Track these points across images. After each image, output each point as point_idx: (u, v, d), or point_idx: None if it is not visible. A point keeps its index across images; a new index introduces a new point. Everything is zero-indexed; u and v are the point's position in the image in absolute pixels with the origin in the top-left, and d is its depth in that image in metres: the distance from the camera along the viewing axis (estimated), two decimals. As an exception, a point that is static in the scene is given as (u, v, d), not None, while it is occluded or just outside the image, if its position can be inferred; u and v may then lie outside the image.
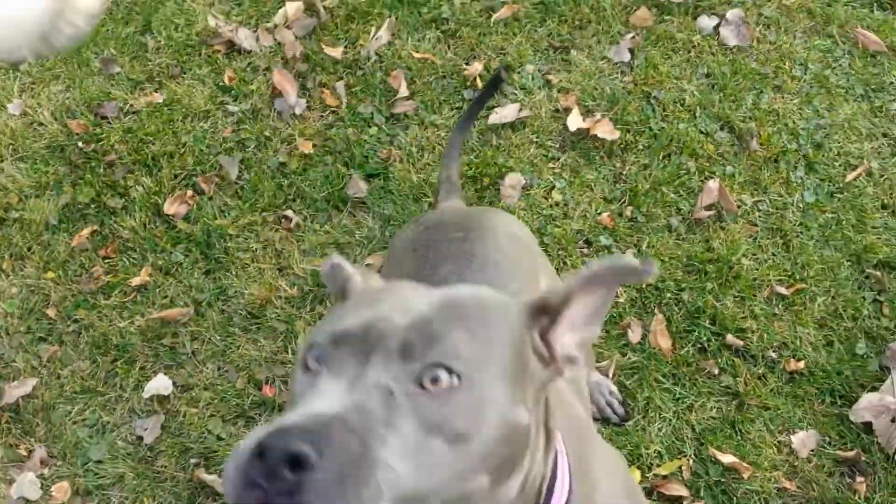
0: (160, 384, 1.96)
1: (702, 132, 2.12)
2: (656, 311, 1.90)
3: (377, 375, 0.70)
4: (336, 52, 2.37)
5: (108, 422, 1.96)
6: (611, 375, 1.82)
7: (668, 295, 1.92)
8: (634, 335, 1.88)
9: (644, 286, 1.92)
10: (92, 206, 2.20)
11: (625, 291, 1.94)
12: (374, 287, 0.86)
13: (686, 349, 1.86)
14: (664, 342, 1.85)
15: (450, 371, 0.70)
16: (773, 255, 1.96)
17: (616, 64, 2.26)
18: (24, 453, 1.94)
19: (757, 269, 1.93)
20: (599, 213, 2.03)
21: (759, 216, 2.01)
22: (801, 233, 1.98)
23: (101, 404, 1.97)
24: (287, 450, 0.61)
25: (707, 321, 1.88)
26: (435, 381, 0.69)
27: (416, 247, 1.42)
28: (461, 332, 0.73)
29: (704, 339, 1.87)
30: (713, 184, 2.00)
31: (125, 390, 1.98)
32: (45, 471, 1.93)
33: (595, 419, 1.74)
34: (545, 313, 0.81)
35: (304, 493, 0.61)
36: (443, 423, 0.69)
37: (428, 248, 1.38)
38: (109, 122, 2.32)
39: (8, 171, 2.28)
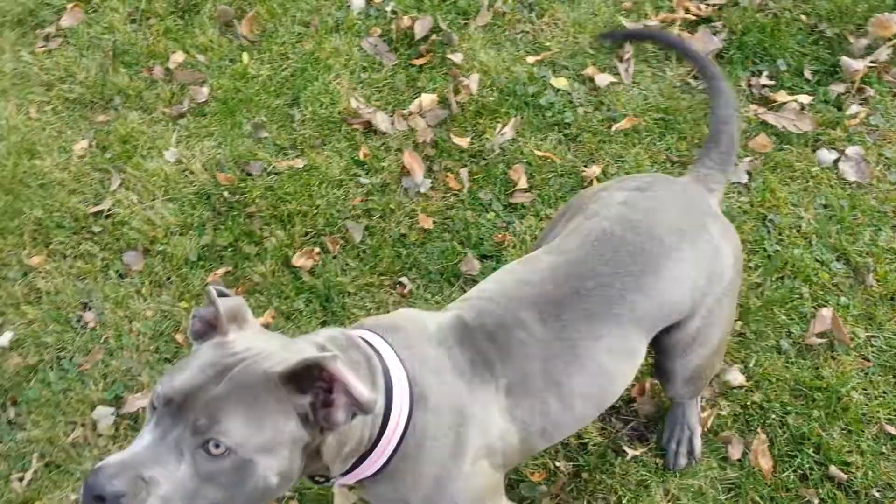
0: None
1: (817, 260, 2.12)
2: (759, 430, 1.86)
3: (178, 436, 1.01)
4: (463, 142, 2.51)
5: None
6: (703, 427, 1.80)
7: (773, 416, 1.87)
8: (734, 450, 1.83)
9: (748, 403, 1.89)
10: (229, 249, 2.35)
11: (728, 405, 1.91)
12: (224, 344, 1.10)
13: (787, 474, 1.80)
14: (765, 463, 1.79)
15: (222, 443, 1.00)
16: (885, 392, 1.90)
17: (734, 184, 2.30)
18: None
19: (867, 405, 1.87)
20: (707, 324, 2.02)
21: (873, 351, 1.97)
22: (915, 373, 1.92)
23: (207, 436, 2.05)
24: (95, 491, 0.97)
25: (811, 449, 1.83)
26: (216, 446, 1.00)
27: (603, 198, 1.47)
28: (240, 414, 1.01)
29: (807, 466, 1.81)
30: (826, 312, 1.97)
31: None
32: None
33: (660, 450, 1.79)
34: (298, 381, 1.05)
35: None
36: (214, 476, 1.01)
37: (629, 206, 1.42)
38: (253, 179, 2.50)
39: (158, 209, 2.47)
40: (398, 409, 1.19)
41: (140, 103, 2.73)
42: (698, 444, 1.80)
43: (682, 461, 1.79)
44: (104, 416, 2.09)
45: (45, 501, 1.98)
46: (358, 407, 1.04)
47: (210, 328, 1.15)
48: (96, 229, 2.45)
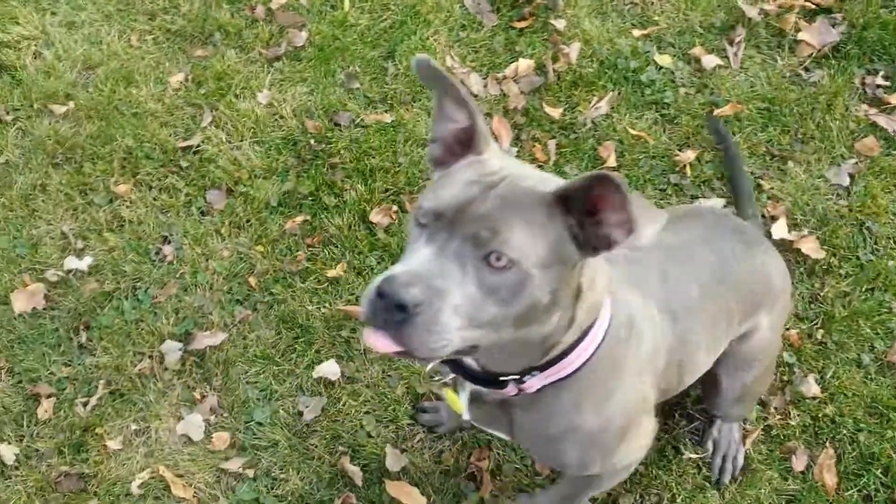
0: (330, 369, 2.11)
1: (914, 275, 2.04)
2: (828, 444, 1.83)
3: (457, 249, 1.01)
4: (555, 113, 2.49)
5: (276, 390, 2.12)
6: (746, 444, 1.81)
7: (844, 431, 1.84)
8: (799, 462, 1.82)
9: (820, 416, 1.86)
10: (309, 198, 2.42)
11: (798, 415, 1.88)
12: (481, 162, 1.12)
13: (851, 492, 1.78)
14: (829, 479, 1.77)
15: (504, 255, 1.00)
16: (968, 421, 1.84)
17: (833, 185, 2.23)
18: (198, 397, 2.14)
19: (947, 431, 1.82)
20: (788, 329, 1.98)
21: (961, 377, 1.89)
22: None
23: (275, 373, 2.14)
24: (396, 298, 0.97)
25: (879, 470, 1.79)
26: (497, 259, 1.00)
27: (691, 214, 1.63)
28: (518, 227, 1.02)
29: (872, 487, 1.78)
30: (917, 331, 1.91)
31: (298, 366, 2.14)
32: (212, 418, 2.11)
33: (706, 462, 1.84)
34: (576, 198, 1.04)
35: (407, 324, 0.98)
36: (495, 289, 1.01)
37: (702, 218, 1.61)
38: (341, 129, 2.55)
39: (245, 150, 2.55)
40: (603, 322, 1.22)
41: (239, 41, 2.79)
42: (741, 460, 1.81)
43: (727, 477, 1.82)
44: (172, 350, 2.18)
45: (106, 428, 2.09)
46: (632, 226, 1.00)
47: (449, 155, 1.16)
48: (183, 164, 2.54)
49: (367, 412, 2.06)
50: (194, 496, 2.01)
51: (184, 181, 2.51)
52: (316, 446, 2.03)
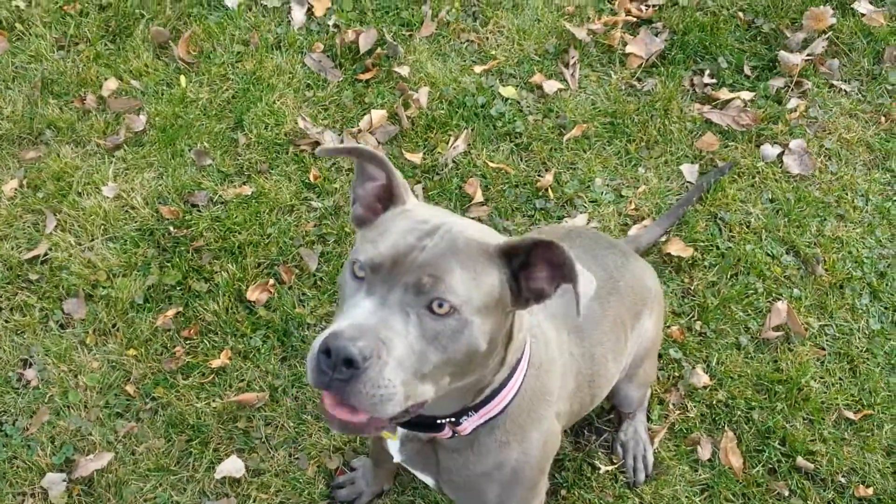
0: (233, 466, 2.05)
1: (768, 254, 2.25)
2: (726, 428, 1.98)
3: (399, 298, 1.05)
4: (416, 158, 2.57)
5: (177, 502, 2.04)
6: (654, 443, 1.92)
7: (739, 413, 2.00)
8: (704, 452, 1.95)
9: (714, 402, 2.01)
10: (178, 288, 2.36)
11: (695, 406, 2.02)
12: (408, 212, 1.17)
13: (756, 469, 1.92)
14: (735, 460, 1.91)
15: (446, 301, 1.04)
16: (841, 379, 2.04)
17: (684, 184, 2.43)
18: (92, 528, 2.02)
19: (825, 393, 2.01)
20: (669, 327, 2.14)
21: (827, 340, 2.11)
22: (868, 359, 2.07)
23: (173, 483, 2.06)
24: (343, 353, 0.98)
25: (777, 442, 1.95)
26: (439, 306, 1.04)
27: (571, 236, 1.77)
28: (459, 274, 1.06)
29: (775, 459, 1.94)
30: (782, 305, 2.11)
31: (198, 471, 2.07)
32: (112, 547, 1.99)
33: (621, 470, 1.95)
34: (516, 255, 1.12)
35: (354, 380, 0.99)
36: (437, 336, 1.05)
37: (579, 238, 1.76)
38: (199, 210, 2.52)
39: (98, 249, 2.46)
40: (526, 356, 1.30)
41: (73, 136, 2.71)
42: (651, 457, 1.95)
43: (641, 476, 1.94)
44: (55, 482, 2.05)
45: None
46: (567, 279, 1.10)
47: (371, 213, 1.22)
48: (32, 277, 2.42)
49: (280, 503, 2.02)
50: None
51: (36, 296, 2.38)
52: (232, 550, 1.96)
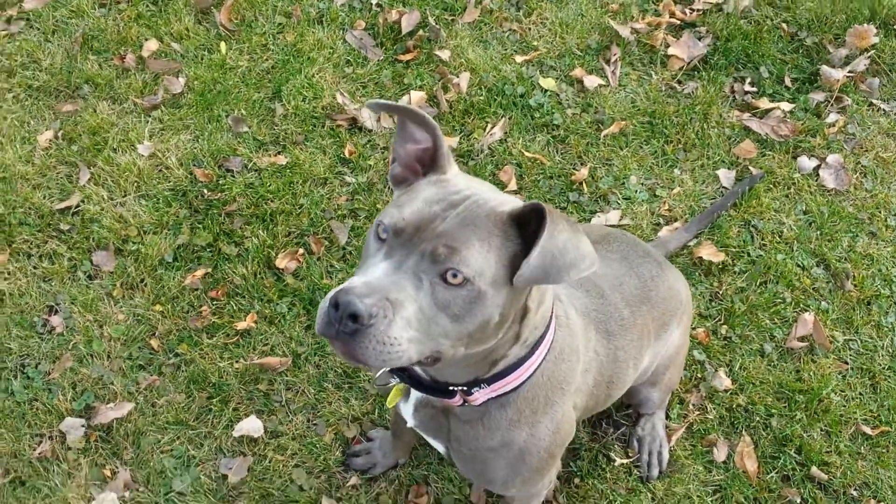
0: (252, 426, 2.10)
1: (799, 265, 2.30)
2: (744, 432, 2.02)
3: (414, 265, 1.08)
4: (451, 142, 2.62)
5: (194, 456, 2.09)
6: (671, 441, 1.97)
7: (758, 418, 2.04)
8: (720, 454, 1.99)
9: (734, 406, 2.05)
10: (207, 249, 2.41)
11: (714, 408, 2.06)
12: (443, 181, 1.20)
13: (770, 475, 1.97)
14: (750, 465, 1.96)
15: (459, 272, 1.07)
16: (861, 394, 2.09)
17: (719, 188, 2.47)
18: (109, 474, 2.08)
19: (844, 406, 2.06)
20: (695, 328, 2.18)
21: (850, 355, 2.15)
22: (890, 377, 2.11)
23: (191, 438, 2.12)
24: (349, 308, 1.03)
25: (793, 450, 2.00)
26: (453, 276, 1.07)
27: (609, 239, 1.79)
28: (476, 246, 1.09)
29: (789, 467, 1.98)
30: (808, 316, 2.15)
31: (216, 427, 2.12)
32: (127, 494, 2.05)
33: (635, 464, 1.99)
34: (527, 223, 1.12)
35: (360, 334, 1.04)
36: (449, 304, 1.08)
37: (616, 242, 1.78)
38: (233, 175, 2.57)
39: (130, 205, 2.52)
40: (548, 339, 1.32)
41: (110, 93, 2.76)
42: (666, 455, 1.99)
43: (655, 472, 1.98)
44: (74, 427, 2.11)
45: (8, 519, 2.01)
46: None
47: (410, 174, 1.25)
48: (63, 227, 2.47)
49: (296, 465, 2.07)
50: (114, 583, 1.94)
51: (65, 245, 2.44)
52: (245, 509, 2.02)
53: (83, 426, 2.12)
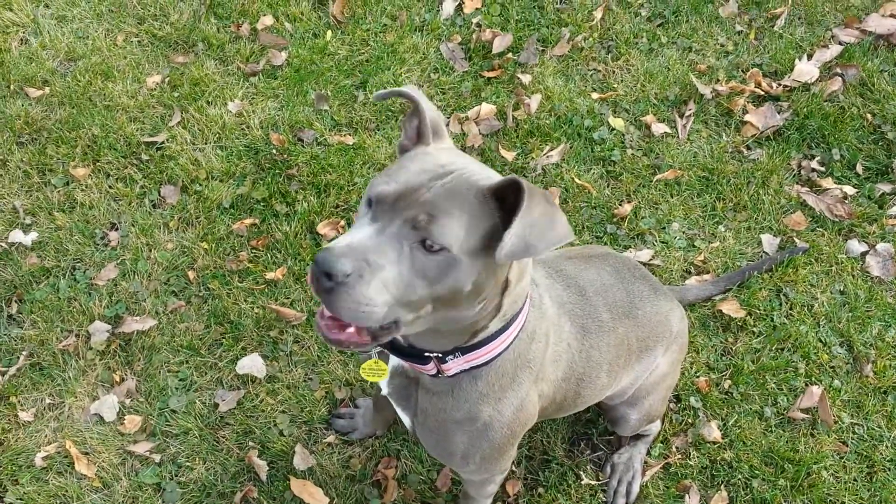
0: (255, 365, 2.21)
1: (821, 340, 2.22)
2: (722, 487, 1.96)
3: (397, 230, 1.13)
4: (509, 155, 2.70)
5: (196, 381, 2.22)
6: (645, 476, 1.97)
7: (740, 476, 1.97)
8: (692, 501, 1.93)
9: (718, 459, 1.99)
10: (261, 203, 2.58)
11: (698, 456, 2.01)
12: (427, 154, 1.24)
13: (738, 534, 1.89)
14: (719, 519, 1.89)
15: (437, 241, 1.11)
16: (855, 479, 1.98)
17: (759, 252, 2.43)
18: (117, 379, 2.23)
19: (835, 486, 1.96)
20: (697, 376, 2.14)
21: (853, 438, 2.05)
22: (890, 469, 2.00)
23: (198, 364, 2.24)
24: (324, 266, 1.08)
25: (768, 516, 1.92)
26: (430, 245, 1.11)
27: (607, 257, 1.81)
28: (456, 215, 1.13)
29: (760, 532, 1.90)
30: (816, 390, 2.08)
31: (222, 360, 2.25)
32: (127, 401, 2.19)
33: (602, 488, 1.98)
34: (506, 198, 1.15)
35: (335, 292, 1.10)
36: (425, 269, 1.13)
37: (613, 259, 1.81)
38: (303, 145, 2.74)
39: (207, 152, 2.73)
40: (522, 317, 1.36)
41: (220, 54, 3.01)
42: (636, 488, 1.95)
43: (621, 501, 1.94)
44: (100, 330, 2.29)
45: (20, 399, 2.18)
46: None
47: (413, 146, 1.30)
48: (144, 157, 2.71)
49: (282, 411, 2.16)
50: (96, 475, 2.07)
51: (141, 174, 2.66)
52: (226, 438, 2.12)
53: (108, 332, 2.29)
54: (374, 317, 1.12)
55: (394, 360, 1.45)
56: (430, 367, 1.35)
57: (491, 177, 1.21)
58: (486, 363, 1.37)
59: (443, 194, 1.14)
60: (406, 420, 1.56)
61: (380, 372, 1.46)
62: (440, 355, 1.33)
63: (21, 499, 2.02)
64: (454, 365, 1.35)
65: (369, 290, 1.10)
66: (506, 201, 1.16)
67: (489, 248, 1.15)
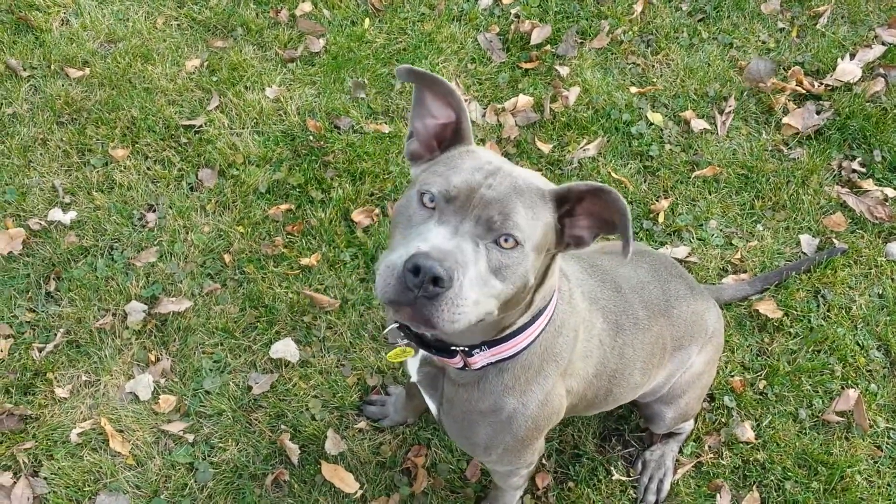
0: (289, 349, 2.23)
1: (858, 343, 2.20)
2: (754, 488, 1.95)
3: (471, 229, 1.14)
4: (545, 148, 2.70)
5: (230, 363, 2.25)
6: (676, 474, 1.95)
7: (772, 478, 1.96)
8: (723, 500, 1.93)
9: (751, 460, 1.98)
10: (297, 189, 2.60)
11: (731, 456, 2.00)
12: (473, 152, 1.26)
13: (769, 535, 1.89)
14: (751, 520, 1.89)
15: (513, 237, 1.14)
16: (889, 484, 1.96)
17: (798, 252, 2.40)
18: (153, 359, 2.26)
19: (868, 490, 1.94)
20: (732, 375, 2.13)
21: (888, 443, 2.03)
22: (929, 478, 1.98)
23: (232, 347, 2.27)
24: (432, 272, 1.05)
25: (800, 518, 1.90)
26: (505, 241, 1.14)
27: (644, 254, 1.81)
28: (523, 213, 1.16)
29: (792, 534, 1.89)
30: (853, 393, 2.06)
31: (256, 343, 2.27)
32: (162, 380, 2.23)
33: (633, 485, 1.97)
34: (566, 201, 1.21)
35: (437, 298, 1.07)
36: (500, 267, 1.14)
37: (650, 257, 1.81)
38: (339, 132, 2.75)
39: (244, 137, 2.75)
40: (549, 310, 1.38)
41: (259, 39, 3.03)
42: (667, 486, 1.93)
43: (651, 498, 1.93)
44: (136, 310, 2.33)
45: (56, 375, 2.22)
46: (599, 233, 1.22)
47: (426, 151, 1.31)
48: (183, 140, 2.74)
49: (315, 396, 2.18)
50: (130, 452, 2.11)
51: (180, 156, 2.69)
52: (259, 421, 2.14)
53: (144, 312, 2.33)
54: (468, 320, 1.10)
55: (422, 353, 1.45)
56: (457, 361, 1.36)
57: (534, 174, 1.25)
58: (513, 356, 1.37)
59: (504, 192, 1.16)
60: (433, 407, 1.57)
61: (406, 354, 1.46)
62: (466, 349, 1.33)
63: (55, 473, 2.06)
64: (480, 358, 1.35)
65: (465, 291, 1.09)
66: (561, 203, 1.21)
67: (547, 243, 1.20)
